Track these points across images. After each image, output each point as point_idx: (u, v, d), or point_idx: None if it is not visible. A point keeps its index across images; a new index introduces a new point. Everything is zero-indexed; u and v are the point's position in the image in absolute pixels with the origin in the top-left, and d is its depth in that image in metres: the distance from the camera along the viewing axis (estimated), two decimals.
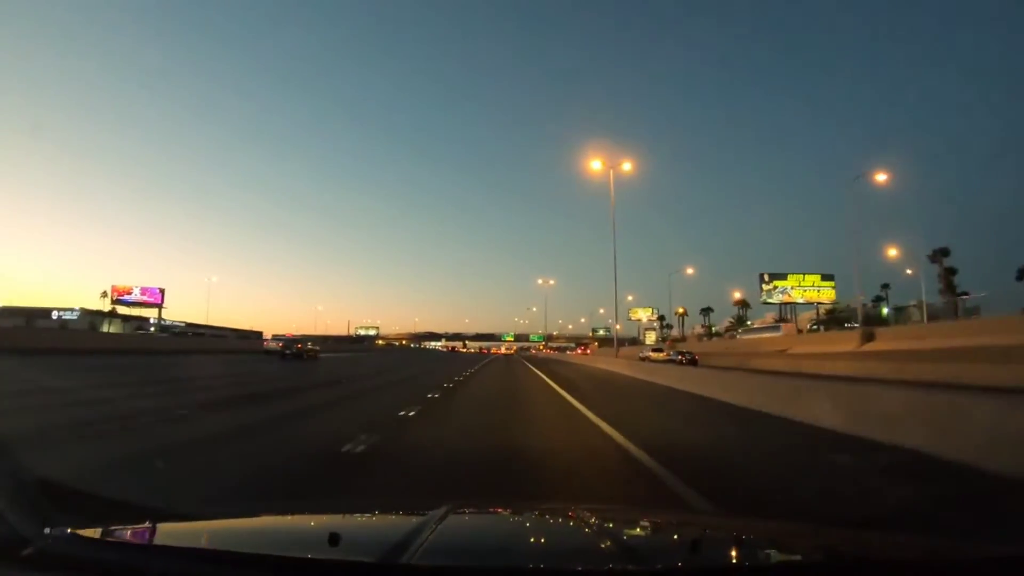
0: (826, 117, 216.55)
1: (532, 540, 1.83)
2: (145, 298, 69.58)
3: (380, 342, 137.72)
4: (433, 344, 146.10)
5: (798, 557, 1.61)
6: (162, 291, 69.71)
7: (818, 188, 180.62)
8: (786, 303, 54.74)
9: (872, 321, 57.66)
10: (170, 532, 1.64)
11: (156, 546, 1.46)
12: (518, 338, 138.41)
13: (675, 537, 1.93)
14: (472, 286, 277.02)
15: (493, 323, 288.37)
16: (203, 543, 1.53)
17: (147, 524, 1.66)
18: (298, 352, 34.43)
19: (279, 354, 34.46)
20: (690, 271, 63.54)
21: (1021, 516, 3.55)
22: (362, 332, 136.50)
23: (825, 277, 53.19)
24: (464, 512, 1.92)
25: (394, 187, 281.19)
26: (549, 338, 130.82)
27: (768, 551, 1.67)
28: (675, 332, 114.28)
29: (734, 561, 1.53)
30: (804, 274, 53.26)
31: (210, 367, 22.58)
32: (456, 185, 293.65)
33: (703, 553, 1.50)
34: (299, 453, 5.73)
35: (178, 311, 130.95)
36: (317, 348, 39.20)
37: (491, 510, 2.25)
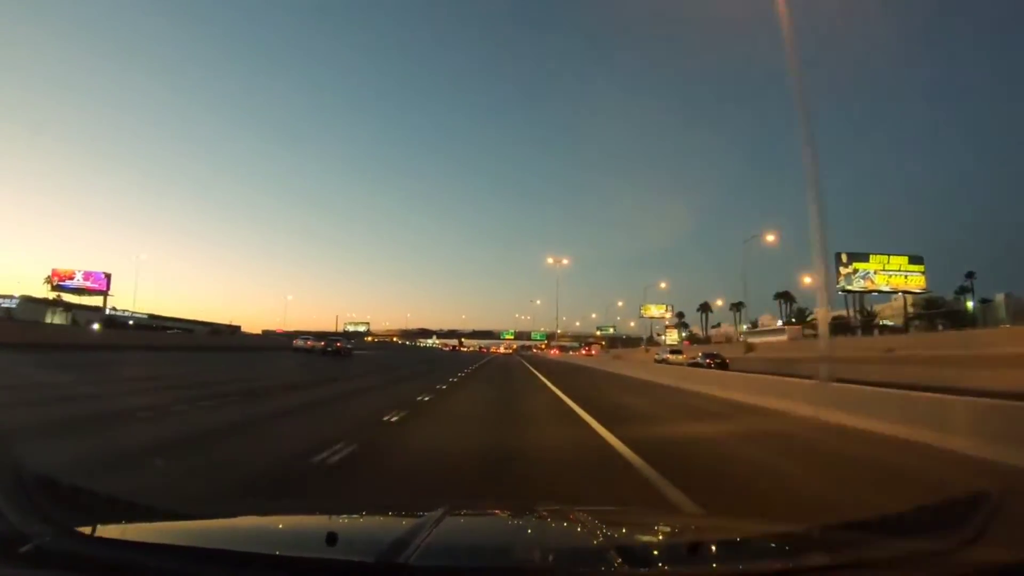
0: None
1: (529, 541, 1.82)
2: (88, 284, 59.56)
3: (369, 338, 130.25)
4: (429, 341, 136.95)
5: (796, 560, 1.55)
6: (108, 276, 59.72)
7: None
8: (868, 291, 45.55)
9: (957, 319, 49.06)
10: (168, 530, 1.64)
11: (154, 544, 1.41)
12: (518, 336, 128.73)
13: (672, 539, 1.90)
14: (469, 281, 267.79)
15: (491, 320, 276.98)
16: (201, 542, 1.52)
17: (146, 522, 1.69)
18: (336, 350, 38.59)
19: (320, 351, 38.90)
20: (771, 238, 42.27)
21: None
22: (351, 328, 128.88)
23: (913, 259, 44.06)
24: (461, 513, 1.98)
25: (386, 176, 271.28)
26: (552, 336, 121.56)
27: (766, 554, 1.67)
28: (694, 331, 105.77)
29: (732, 563, 1.54)
30: (888, 255, 44.12)
31: (287, 362, 26.95)
32: (453, 174, 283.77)
33: (701, 555, 1.49)
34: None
35: (129, 300, 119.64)
36: (350, 346, 43.90)
37: (488, 511, 2.28)
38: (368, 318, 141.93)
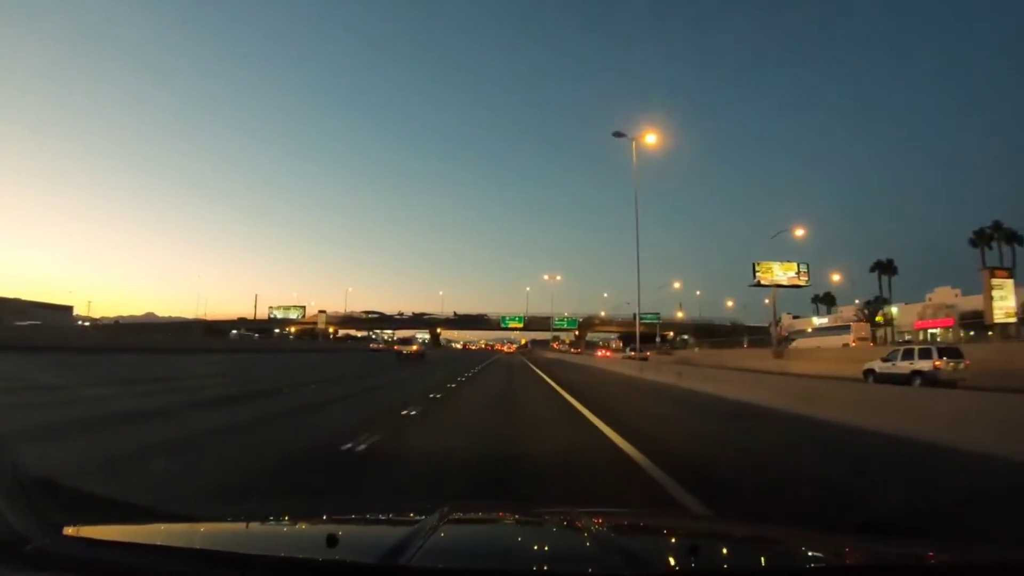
0: None
1: (530, 543, 1.82)
2: None
3: (292, 329, 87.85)
4: (420, 336, 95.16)
5: (798, 562, 1.59)
6: None
7: None
8: None
9: None
10: (169, 532, 1.65)
11: (155, 546, 1.43)
12: (530, 325, 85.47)
13: (674, 541, 1.89)
14: (454, 251, 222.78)
15: (485, 301, 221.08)
16: (202, 543, 1.54)
17: (147, 524, 1.71)
18: (421, 352, 50.98)
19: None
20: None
21: None
22: (279, 314, 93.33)
23: None
24: (462, 514, 1.98)
25: (330, 135, 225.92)
26: (587, 324, 78.68)
27: (768, 556, 1.67)
28: (848, 313, 63.49)
29: (733, 565, 1.58)
30: None
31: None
32: (437, 114, 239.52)
33: (702, 557, 1.51)
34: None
35: None
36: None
37: (489, 512, 2.27)
38: (295, 297, 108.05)
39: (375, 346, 65.25)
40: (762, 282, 59.57)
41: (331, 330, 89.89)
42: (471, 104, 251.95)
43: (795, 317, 65.32)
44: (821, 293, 63.43)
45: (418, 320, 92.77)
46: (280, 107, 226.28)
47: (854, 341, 42.00)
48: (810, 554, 1.63)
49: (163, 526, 1.71)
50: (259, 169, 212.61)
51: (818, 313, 64.09)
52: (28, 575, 1.20)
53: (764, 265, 59.52)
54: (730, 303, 65.33)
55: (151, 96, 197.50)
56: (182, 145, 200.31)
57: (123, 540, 1.42)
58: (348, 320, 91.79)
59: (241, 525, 1.86)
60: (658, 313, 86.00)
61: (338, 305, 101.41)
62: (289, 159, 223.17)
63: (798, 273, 60.49)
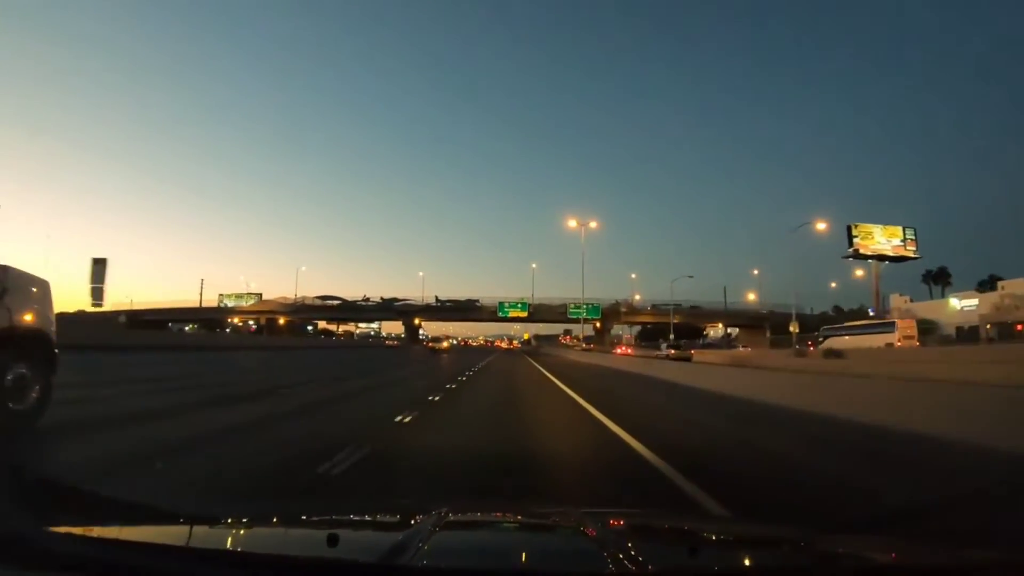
0: None
1: (532, 542, 1.82)
2: None
3: (236, 320, 76.45)
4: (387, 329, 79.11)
5: (804, 563, 1.58)
6: None
7: None
8: None
9: None
10: (169, 532, 1.66)
11: (155, 545, 1.44)
12: (537, 314, 70.24)
13: (678, 541, 1.90)
14: (438, 228, 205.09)
15: (483, 290, 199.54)
16: (202, 543, 1.55)
17: (147, 524, 1.70)
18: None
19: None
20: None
21: None
22: (229, 303, 79.02)
23: None
24: (464, 513, 2.01)
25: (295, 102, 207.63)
26: (612, 314, 63.05)
27: (769, 556, 1.68)
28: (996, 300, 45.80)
29: (734, 565, 1.59)
30: None
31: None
32: (413, 76, 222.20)
33: (704, 557, 1.51)
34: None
35: None
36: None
37: (491, 512, 2.26)
38: (242, 280, 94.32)
39: (391, 343, 65.22)
40: (860, 251, 44.67)
41: (281, 321, 73.38)
42: (457, 64, 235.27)
43: (911, 300, 49.94)
44: (931, 270, 48.58)
45: (389, 307, 74.11)
46: (235, 84, 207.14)
47: (899, 340, 34.87)
48: (818, 556, 1.61)
49: (164, 526, 1.72)
50: (210, 147, 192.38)
51: (931, 295, 49.02)
52: (29, 574, 1.19)
53: (863, 228, 44.51)
54: (836, 283, 49.99)
55: (97, 74, 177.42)
56: (129, 124, 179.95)
57: (123, 539, 1.41)
58: (301, 308, 73.67)
59: (241, 524, 1.85)
60: (680, 303, 71.27)
61: (300, 291, 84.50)
62: (239, 137, 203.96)
63: (904, 241, 45.75)
